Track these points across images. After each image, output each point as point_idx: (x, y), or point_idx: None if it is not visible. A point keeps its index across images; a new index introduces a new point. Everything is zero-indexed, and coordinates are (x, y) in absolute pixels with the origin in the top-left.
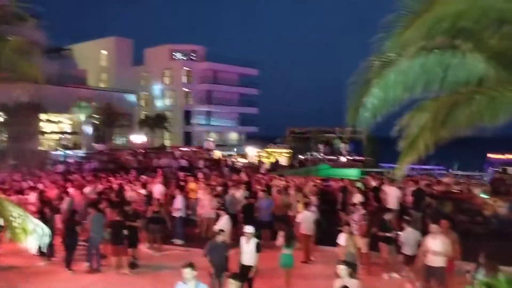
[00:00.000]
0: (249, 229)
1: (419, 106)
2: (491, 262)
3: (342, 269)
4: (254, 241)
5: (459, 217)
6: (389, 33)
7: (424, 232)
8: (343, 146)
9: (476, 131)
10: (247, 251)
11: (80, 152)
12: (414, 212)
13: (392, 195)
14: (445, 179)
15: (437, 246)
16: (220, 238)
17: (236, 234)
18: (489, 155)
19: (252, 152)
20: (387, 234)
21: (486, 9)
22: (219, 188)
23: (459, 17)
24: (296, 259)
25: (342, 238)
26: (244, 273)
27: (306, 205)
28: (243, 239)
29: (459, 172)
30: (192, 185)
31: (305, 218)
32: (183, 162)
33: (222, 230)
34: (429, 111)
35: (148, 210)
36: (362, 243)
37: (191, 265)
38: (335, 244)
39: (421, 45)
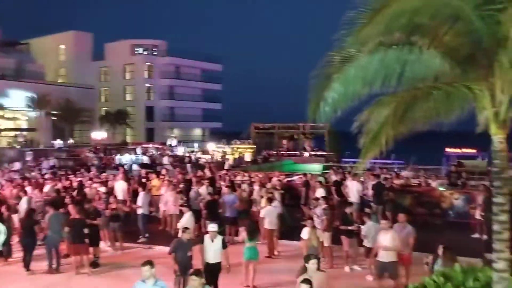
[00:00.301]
0: (213, 227)
1: (378, 102)
2: (449, 253)
3: (312, 263)
4: (219, 238)
5: (417, 210)
6: (350, 29)
7: None
8: (306, 142)
9: (434, 126)
10: (213, 249)
11: (38, 150)
12: (375, 205)
13: (353, 189)
14: (404, 173)
15: (388, 241)
16: (185, 236)
17: (200, 231)
18: (446, 149)
19: (215, 148)
20: (349, 227)
21: (441, 6)
22: (182, 185)
23: (415, 13)
24: (260, 255)
25: (305, 232)
26: (209, 272)
27: (270, 200)
28: (207, 238)
29: (418, 166)
30: (154, 182)
31: (269, 213)
32: (146, 159)
33: (187, 228)
34: (388, 106)
35: (108, 208)
36: (324, 237)
37: (149, 263)
38: (298, 238)
39: (380, 41)
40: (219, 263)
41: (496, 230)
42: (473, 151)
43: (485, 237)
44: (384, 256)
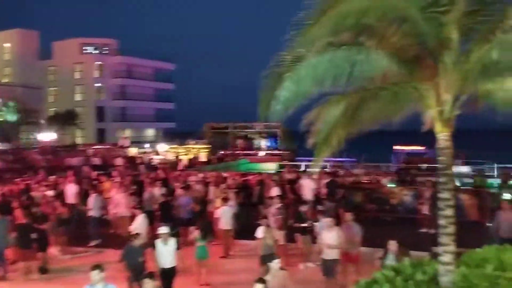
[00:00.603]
0: (164, 229)
1: (327, 101)
2: (403, 248)
3: (276, 262)
4: (172, 241)
5: (368, 206)
6: (299, 29)
7: (338, 222)
8: (261, 141)
9: (383, 125)
10: (166, 253)
11: None
12: (328, 203)
13: (307, 187)
14: (356, 171)
15: (331, 239)
16: (136, 242)
17: (154, 233)
18: (395, 146)
19: (169, 149)
20: (302, 225)
21: (387, 7)
22: (134, 187)
23: (363, 14)
24: (216, 255)
25: (259, 231)
26: (165, 277)
27: (225, 200)
28: (159, 242)
29: (369, 164)
30: (106, 184)
31: (224, 213)
32: (96, 161)
33: (138, 234)
34: (338, 107)
35: (57, 212)
36: (279, 235)
37: (98, 267)
38: (254, 237)
39: (329, 41)
40: (174, 268)
41: (441, 224)
42: (422, 148)
43: (432, 231)
44: (328, 254)
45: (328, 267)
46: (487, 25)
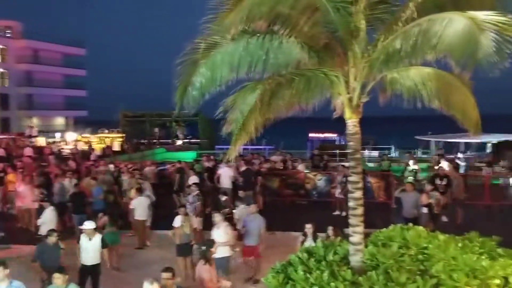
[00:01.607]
0: (89, 225)
1: (242, 88)
2: (337, 230)
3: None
4: (98, 236)
5: (285, 191)
6: (215, 16)
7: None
8: (179, 130)
9: (299, 112)
10: (91, 249)
11: None
12: (246, 190)
13: (225, 175)
14: (273, 157)
15: (220, 237)
16: (50, 240)
17: (64, 226)
18: (310, 134)
19: (81, 138)
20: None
21: None
22: (41, 178)
23: (276, 2)
24: (131, 246)
25: (177, 220)
26: (87, 275)
27: (139, 190)
28: (83, 237)
29: (285, 150)
30: (10, 176)
31: (139, 204)
32: (0, 151)
33: (52, 231)
34: (254, 93)
35: None
36: (197, 222)
37: (2, 263)
38: (172, 227)
39: (243, 28)
40: (98, 265)
41: (351, 206)
42: (334, 135)
43: (344, 213)
44: (218, 252)
45: (220, 265)
46: (392, 16)
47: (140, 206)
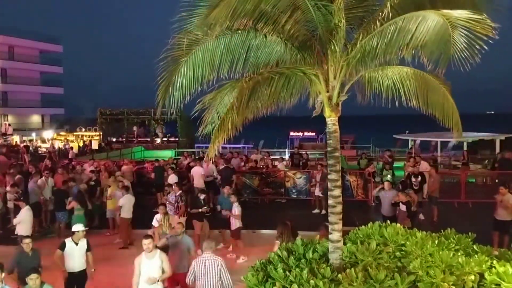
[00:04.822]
0: (78, 227)
1: (221, 87)
2: (325, 228)
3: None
4: (84, 241)
5: (264, 190)
6: (197, 10)
7: None
8: (158, 128)
9: (277, 111)
10: (78, 254)
11: None
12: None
13: (197, 175)
14: (253, 156)
15: (152, 270)
16: (27, 247)
17: (40, 226)
18: (291, 133)
19: (57, 136)
20: (200, 210)
21: None
22: (16, 177)
23: (260, 0)
24: (115, 246)
25: (156, 219)
26: (73, 282)
27: (126, 188)
28: (69, 242)
29: (265, 149)
30: None
31: (127, 201)
32: None
33: (27, 237)
34: (232, 92)
35: None
36: (180, 221)
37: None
38: (150, 226)
39: (226, 25)
40: (84, 271)
41: (330, 204)
42: (313, 134)
43: (324, 212)
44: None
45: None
46: (371, 15)
47: (127, 204)
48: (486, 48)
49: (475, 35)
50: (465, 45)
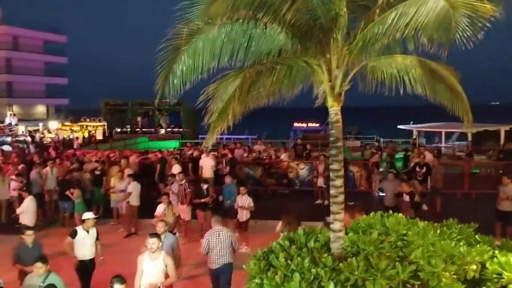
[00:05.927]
0: (88, 215)
1: (224, 76)
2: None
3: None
4: (94, 229)
5: (267, 181)
6: (199, 1)
7: None
8: (162, 118)
9: (281, 101)
10: (89, 242)
11: None
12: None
13: (208, 164)
14: (256, 147)
15: (153, 276)
16: (28, 240)
17: (44, 215)
18: (294, 124)
19: (62, 126)
20: (202, 200)
21: None
22: (20, 167)
23: None
24: (119, 235)
25: (159, 209)
26: (84, 270)
27: (134, 176)
28: (81, 230)
29: (269, 140)
30: None
31: (135, 189)
32: None
33: (28, 228)
34: (235, 81)
35: None
36: (186, 211)
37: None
38: (153, 216)
39: (228, 15)
40: (93, 259)
41: (332, 194)
42: (317, 125)
43: (326, 202)
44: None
45: None
46: (373, 2)
47: (136, 191)
48: (489, 25)
49: (477, 14)
50: (467, 25)
